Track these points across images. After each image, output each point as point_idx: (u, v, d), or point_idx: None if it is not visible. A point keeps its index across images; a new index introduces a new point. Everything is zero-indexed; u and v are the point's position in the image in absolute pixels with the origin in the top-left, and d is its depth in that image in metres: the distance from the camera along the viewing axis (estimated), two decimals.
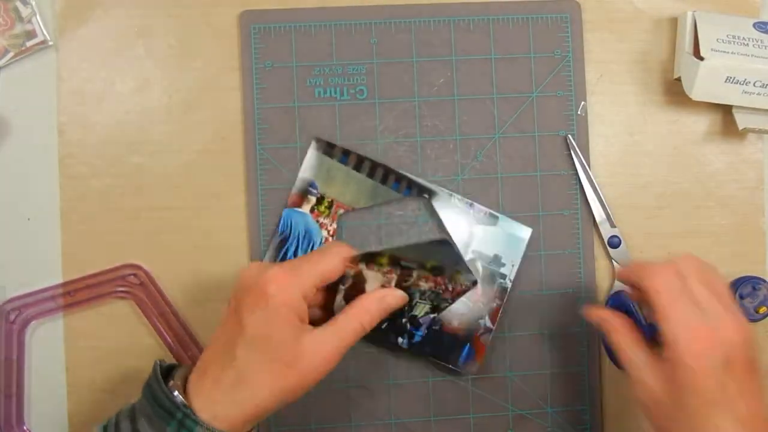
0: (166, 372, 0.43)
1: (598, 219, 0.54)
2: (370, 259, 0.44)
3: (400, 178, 0.53)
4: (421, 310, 0.47)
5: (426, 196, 0.53)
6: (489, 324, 0.53)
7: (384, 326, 0.51)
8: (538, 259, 0.55)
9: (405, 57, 0.55)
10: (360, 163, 0.53)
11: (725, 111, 0.56)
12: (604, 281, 0.55)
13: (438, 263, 0.45)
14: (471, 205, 0.52)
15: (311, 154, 0.53)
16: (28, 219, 0.54)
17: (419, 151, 0.55)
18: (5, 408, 0.52)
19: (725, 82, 0.52)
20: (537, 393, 0.55)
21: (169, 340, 0.53)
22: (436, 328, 0.52)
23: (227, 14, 0.54)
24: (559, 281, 0.55)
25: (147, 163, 0.54)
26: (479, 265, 0.53)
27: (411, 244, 0.44)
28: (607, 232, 0.55)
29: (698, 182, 0.56)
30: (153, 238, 0.54)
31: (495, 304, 0.53)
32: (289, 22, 0.54)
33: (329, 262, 0.43)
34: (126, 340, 0.53)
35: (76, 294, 0.53)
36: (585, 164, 0.54)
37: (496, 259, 0.53)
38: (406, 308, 0.46)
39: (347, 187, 0.53)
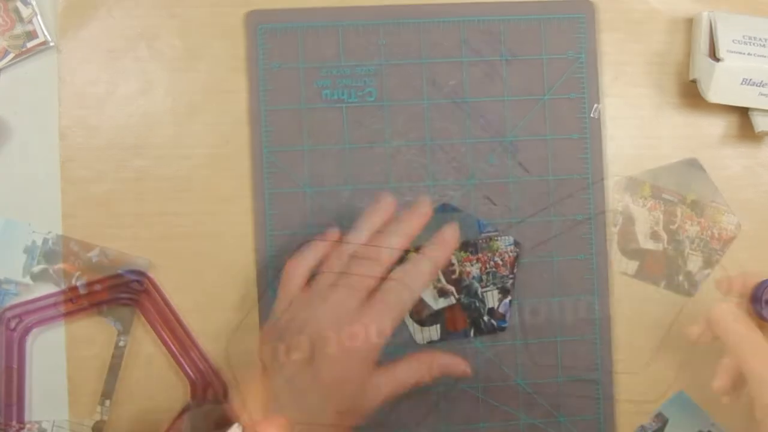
0: None
1: None
2: None
3: None
4: (492, 298, 0.45)
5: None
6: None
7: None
8: (550, 265, 0.54)
9: (414, 58, 0.54)
10: None
11: (742, 113, 0.55)
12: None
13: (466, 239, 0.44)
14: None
15: None
16: (29, 224, 0.53)
17: (429, 154, 0.54)
18: (5, 417, 0.51)
19: (742, 83, 0.51)
20: (549, 401, 0.54)
21: (173, 348, 0.52)
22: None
23: (233, 14, 0.54)
24: (572, 288, 0.54)
25: (150, 167, 0.53)
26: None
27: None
28: None
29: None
30: (157, 244, 0.53)
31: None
32: (296, 22, 0.54)
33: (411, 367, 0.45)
34: (129, 348, 0.53)
35: (78, 301, 0.52)
36: None
37: None
38: (481, 309, 0.45)
39: None
